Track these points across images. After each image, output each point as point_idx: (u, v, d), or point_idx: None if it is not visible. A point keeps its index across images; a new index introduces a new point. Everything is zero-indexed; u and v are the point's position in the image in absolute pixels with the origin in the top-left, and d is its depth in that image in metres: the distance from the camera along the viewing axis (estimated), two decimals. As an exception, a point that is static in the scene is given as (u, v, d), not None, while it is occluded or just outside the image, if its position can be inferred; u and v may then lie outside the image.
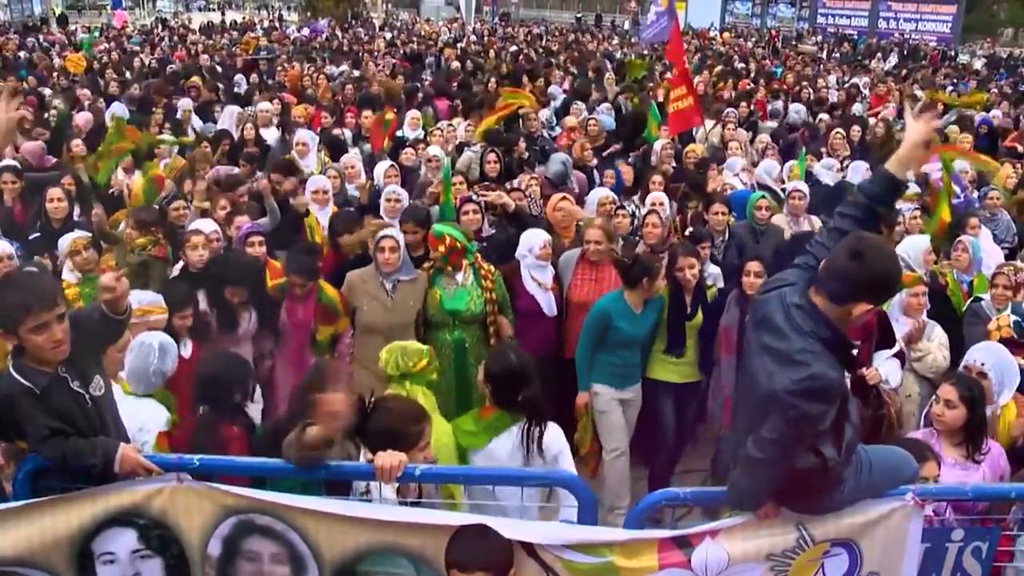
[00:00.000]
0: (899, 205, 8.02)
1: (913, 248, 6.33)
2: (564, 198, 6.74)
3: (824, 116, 13.05)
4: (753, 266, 5.61)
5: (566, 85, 15.41)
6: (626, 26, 38.88)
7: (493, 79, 15.45)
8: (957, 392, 4.06)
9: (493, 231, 6.77)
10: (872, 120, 12.85)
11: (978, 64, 27.87)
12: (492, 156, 8.71)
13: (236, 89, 14.54)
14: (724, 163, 9.43)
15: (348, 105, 12.49)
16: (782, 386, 2.69)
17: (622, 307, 5.53)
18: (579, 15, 43.77)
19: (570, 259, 6.16)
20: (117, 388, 4.03)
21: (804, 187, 7.80)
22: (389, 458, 3.02)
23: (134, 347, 4.14)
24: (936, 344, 5.54)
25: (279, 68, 17.25)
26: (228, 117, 10.92)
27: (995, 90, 18.91)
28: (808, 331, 2.73)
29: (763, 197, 7.47)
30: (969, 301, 5.99)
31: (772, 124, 13.15)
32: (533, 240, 5.98)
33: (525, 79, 15.72)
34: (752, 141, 11.76)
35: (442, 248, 5.67)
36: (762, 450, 2.78)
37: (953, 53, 30.86)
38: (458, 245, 5.66)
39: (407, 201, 7.15)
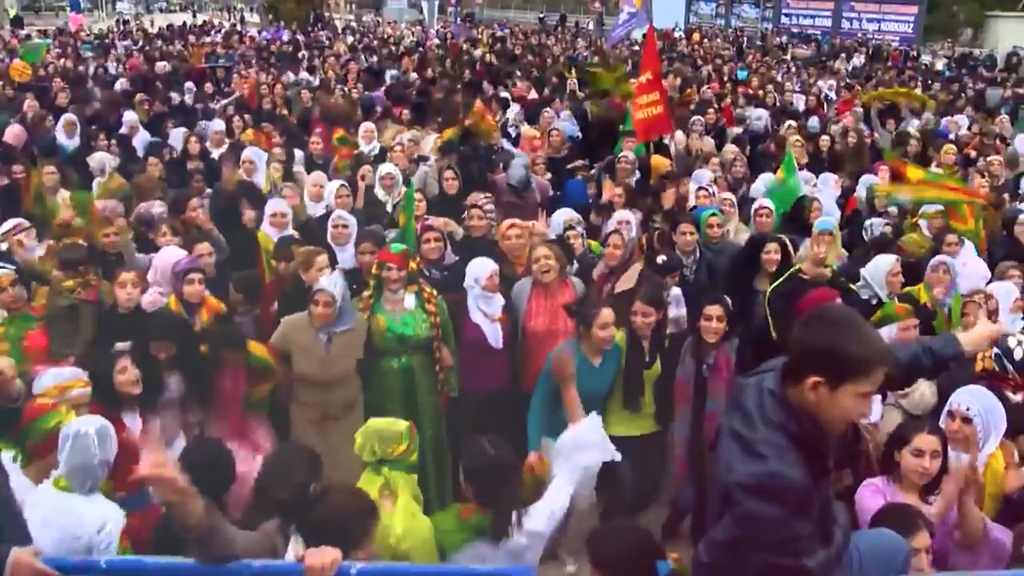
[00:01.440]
0: (869, 220, 7.82)
1: (877, 269, 6.01)
2: (514, 224, 6.39)
3: (792, 123, 12.80)
4: (715, 311, 5.19)
5: (532, 94, 14.98)
6: (590, 27, 38.61)
7: (457, 86, 15.14)
8: (940, 441, 3.80)
9: (456, 259, 6.39)
10: (836, 127, 12.55)
11: (940, 64, 27.92)
12: (449, 173, 8.27)
13: (186, 98, 13.99)
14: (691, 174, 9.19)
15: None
16: (735, 478, 2.38)
17: (578, 359, 5.08)
18: (542, 15, 43.42)
19: (523, 289, 5.84)
20: (46, 485, 3.66)
21: (770, 203, 7.53)
22: (320, 556, 2.70)
23: (67, 440, 3.67)
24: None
25: (236, 76, 16.58)
26: (176, 139, 10.43)
27: (961, 94, 18.81)
28: (776, 422, 2.39)
29: (714, 214, 7.12)
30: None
31: (740, 130, 12.92)
32: (479, 270, 5.67)
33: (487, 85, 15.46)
34: (720, 149, 11.52)
35: (414, 265, 5.49)
36: (709, 554, 2.47)
37: (915, 53, 30.93)
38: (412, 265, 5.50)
39: (355, 228, 6.80)
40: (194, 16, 42.73)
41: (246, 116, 11.69)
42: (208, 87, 15.31)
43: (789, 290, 5.39)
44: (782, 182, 8.21)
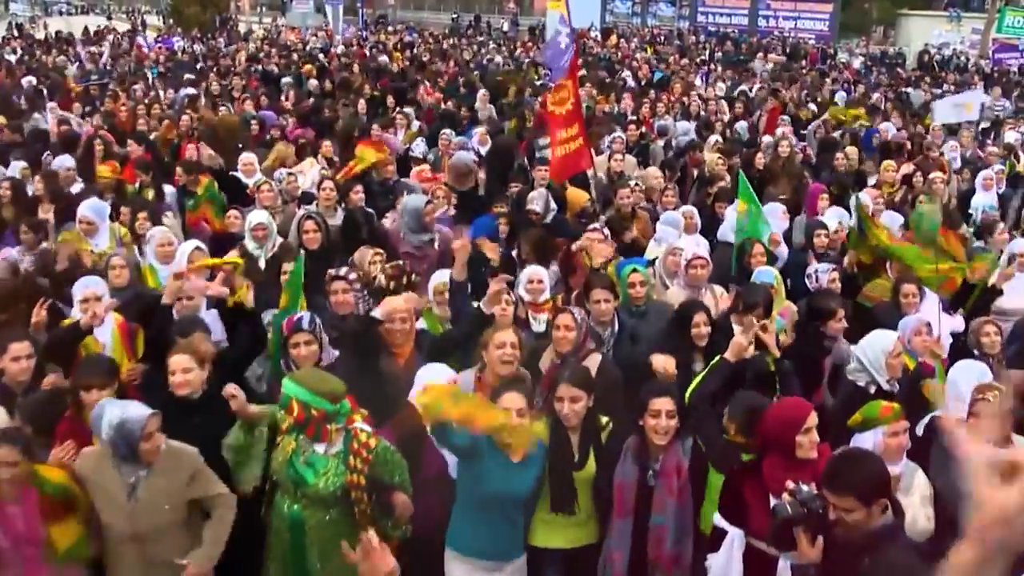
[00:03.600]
0: (814, 267, 6.86)
1: (874, 349, 4.83)
2: (397, 307, 5.04)
3: (716, 138, 11.87)
4: (663, 404, 4.15)
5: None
6: (504, 28, 37.56)
7: (361, 101, 13.86)
8: None
9: (336, 354, 5.06)
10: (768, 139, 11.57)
11: (856, 63, 27.65)
12: (310, 224, 6.76)
13: (47, 118, 12.28)
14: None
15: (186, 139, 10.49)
16: None
17: (493, 455, 4.06)
18: (455, 15, 41.97)
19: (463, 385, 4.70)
20: None
21: (705, 254, 6.42)
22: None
23: None
24: (919, 499, 4.05)
25: (109, 95, 14.74)
26: (15, 173, 8.84)
27: (879, 95, 18.31)
28: None
29: (635, 269, 5.85)
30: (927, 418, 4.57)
31: (662, 143, 11.95)
32: (424, 378, 4.52)
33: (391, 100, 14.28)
34: (644, 164, 10.54)
35: (289, 419, 4.01)
36: None
37: (832, 51, 30.74)
38: (314, 413, 3.95)
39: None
40: (109, 19, 40.66)
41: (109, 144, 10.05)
42: (77, 107, 13.56)
43: (716, 389, 4.42)
44: (746, 213, 6.99)
